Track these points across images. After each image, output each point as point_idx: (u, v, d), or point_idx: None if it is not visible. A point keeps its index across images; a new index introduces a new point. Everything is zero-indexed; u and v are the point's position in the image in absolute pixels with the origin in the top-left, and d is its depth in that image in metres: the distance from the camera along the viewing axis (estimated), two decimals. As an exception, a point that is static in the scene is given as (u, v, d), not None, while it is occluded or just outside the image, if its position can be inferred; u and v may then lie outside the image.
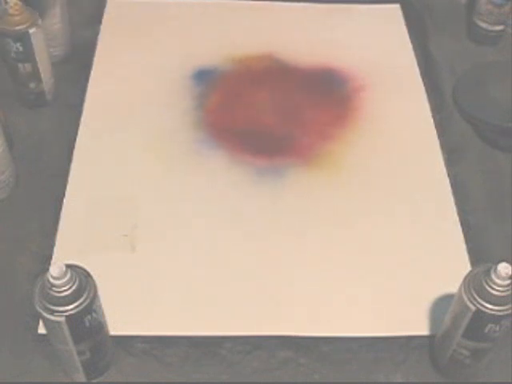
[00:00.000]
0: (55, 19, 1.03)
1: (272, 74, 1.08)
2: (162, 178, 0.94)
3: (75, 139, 0.97)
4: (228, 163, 0.95)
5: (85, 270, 0.68)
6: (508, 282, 0.65)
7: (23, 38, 0.93)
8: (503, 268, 0.64)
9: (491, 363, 0.73)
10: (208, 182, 0.93)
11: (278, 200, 0.91)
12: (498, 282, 0.65)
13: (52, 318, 0.65)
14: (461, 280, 0.68)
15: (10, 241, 0.85)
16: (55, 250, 0.84)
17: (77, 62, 1.09)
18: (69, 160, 0.95)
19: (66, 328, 0.66)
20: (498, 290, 0.65)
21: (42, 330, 0.74)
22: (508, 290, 0.65)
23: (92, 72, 1.07)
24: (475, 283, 0.67)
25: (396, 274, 0.84)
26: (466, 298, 0.67)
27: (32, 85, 0.98)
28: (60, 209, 0.89)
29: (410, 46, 1.13)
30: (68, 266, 0.64)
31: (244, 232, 0.88)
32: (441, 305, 0.79)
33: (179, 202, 0.91)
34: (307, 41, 1.13)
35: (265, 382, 0.75)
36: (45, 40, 0.96)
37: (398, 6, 1.21)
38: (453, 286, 0.70)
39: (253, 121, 1.01)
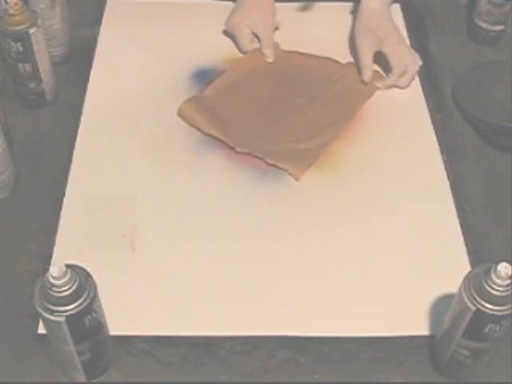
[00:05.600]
0: (55, 19, 1.03)
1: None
2: (161, 177, 0.94)
3: (75, 139, 0.97)
4: (227, 163, 0.95)
5: (85, 270, 0.68)
6: (508, 281, 0.65)
7: (23, 38, 0.93)
8: (503, 268, 0.64)
9: (491, 363, 0.73)
10: (207, 181, 0.93)
11: (277, 200, 0.91)
12: (498, 282, 0.65)
13: (52, 317, 0.65)
14: (461, 280, 0.68)
15: (10, 241, 0.85)
16: (55, 249, 0.84)
17: (77, 62, 1.09)
18: (69, 160, 0.95)
19: (65, 328, 0.66)
20: (498, 290, 0.65)
21: (42, 330, 0.74)
22: (508, 290, 0.65)
23: (92, 72, 1.07)
24: (475, 283, 0.67)
25: (396, 274, 0.84)
26: (466, 298, 0.67)
27: (32, 85, 0.98)
28: (60, 209, 0.89)
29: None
30: (68, 266, 0.64)
31: (243, 232, 0.88)
32: (441, 305, 0.79)
33: (179, 201, 0.91)
34: (307, 40, 1.13)
35: (265, 382, 0.75)
36: (45, 40, 0.96)
37: (397, 5, 1.21)
38: (453, 286, 0.70)
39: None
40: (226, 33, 1.13)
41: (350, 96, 1.04)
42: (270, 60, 1.09)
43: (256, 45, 1.10)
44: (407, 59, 1.05)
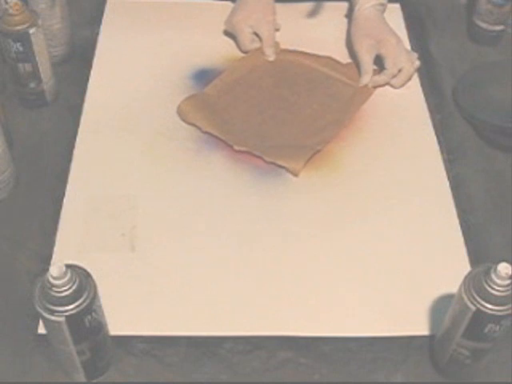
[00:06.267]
0: (55, 19, 1.03)
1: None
2: (161, 177, 0.94)
3: (75, 139, 0.97)
4: (228, 163, 0.95)
5: (85, 270, 0.68)
6: (508, 281, 0.65)
7: (23, 38, 0.93)
8: (503, 268, 0.64)
9: (491, 363, 0.73)
10: (207, 181, 0.93)
11: (277, 200, 0.91)
12: (498, 282, 0.65)
13: (52, 318, 0.65)
14: (461, 280, 0.68)
15: (10, 241, 0.85)
16: (55, 249, 0.84)
17: (77, 62, 1.09)
18: (69, 160, 0.95)
19: (65, 328, 0.66)
20: (498, 290, 0.65)
21: (42, 330, 0.74)
22: (508, 290, 0.65)
23: (92, 72, 1.07)
24: (475, 283, 0.67)
25: (396, 274, 0.84)
26: (466, 298, 0.67)
27: (32, 85, 0.98)
28: (60, 209, 0.89)
29: (409, 46, 1.13)
30: (68, 266, 0.64)
31: (244, 232, 0.88)
32: (441, 305, 0.79)
33: (179, 201, 0.91)
34: (307, 40, 1.13)
35: (265, 382, 0.75)
36: (45, 40, 0.96)
37: (397, 5, 1.21)
38: (453, 286, 0.70)
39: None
40: (226, 33, 1.13)
41: (350, 96, 1.04)
42: (271, 59, 1.09)
43: (257, 44, 1.10)
44: (403, 61, 1.05)
